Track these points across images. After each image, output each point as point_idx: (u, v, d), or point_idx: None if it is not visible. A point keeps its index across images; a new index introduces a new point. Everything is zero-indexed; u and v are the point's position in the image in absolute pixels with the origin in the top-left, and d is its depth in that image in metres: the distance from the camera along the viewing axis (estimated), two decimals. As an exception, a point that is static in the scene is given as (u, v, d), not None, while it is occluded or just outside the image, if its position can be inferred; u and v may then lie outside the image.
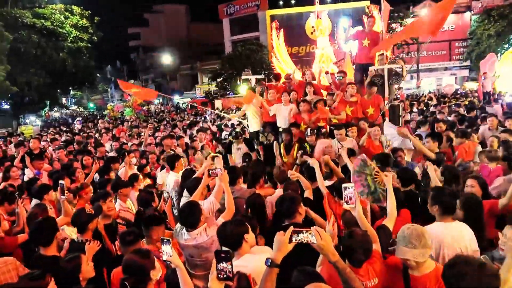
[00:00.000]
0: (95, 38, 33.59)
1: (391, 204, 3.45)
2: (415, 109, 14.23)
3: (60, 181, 4.37)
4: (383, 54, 8.54)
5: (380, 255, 3.01)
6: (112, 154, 8.96)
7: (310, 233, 2.14)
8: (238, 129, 7.84)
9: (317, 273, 2.59)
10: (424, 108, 15.05)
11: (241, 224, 3.01)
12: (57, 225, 3.71)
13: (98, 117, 31.49)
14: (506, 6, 34.49)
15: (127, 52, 62.54)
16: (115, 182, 5.42)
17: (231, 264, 2.13)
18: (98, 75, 46.88)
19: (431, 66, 40.08)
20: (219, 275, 2.15)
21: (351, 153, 5.66)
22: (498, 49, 30.08)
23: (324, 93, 8.38)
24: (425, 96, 23.23)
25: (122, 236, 3.56)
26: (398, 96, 10.65)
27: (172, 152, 7.50)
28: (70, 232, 3.75)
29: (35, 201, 5.18)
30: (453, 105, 14.59)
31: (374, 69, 7.99)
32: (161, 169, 7.00)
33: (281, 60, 9.98)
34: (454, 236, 3.11)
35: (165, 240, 2.65)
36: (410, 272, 2.71)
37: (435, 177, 4.35)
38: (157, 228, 3.73)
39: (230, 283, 2.15)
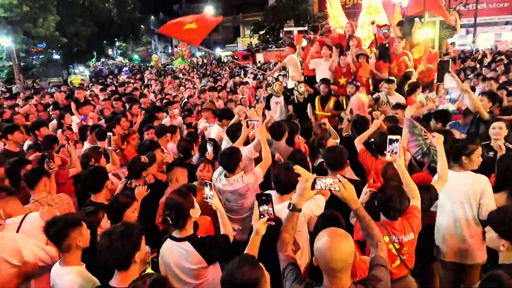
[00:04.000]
0: (139, -11, 33.73)
1: (441, 164, 3.30)
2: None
3: (108, 133, 4.59)
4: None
5: (419, 211, 2.94)
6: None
7: (333, 181, 2.17)
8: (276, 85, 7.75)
9: (337, 217, 2.66)
10: (477, 66, 14.15)
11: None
12: (107, 174, 3.96)
13: (143, 69, 32.11)
14: None
15: (170, 3, 62.23)
16: (160, 127, 5.71)
17: (272, 207, 2.28)
18: (142, 26, 47.19)
19: (490, 20, 36.76)
20: (262, 217, 2.30)
21: (398, 106, 5.64)
22: None
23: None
24: (480, 53, 21.62)
25: None
26: (450, 51, 9.98)
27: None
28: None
29: (86, 145, 5.58)
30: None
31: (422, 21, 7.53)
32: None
33: (334, 8, 9.48)
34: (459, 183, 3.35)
35: (208, 183, 2.86)
36: None
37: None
38: (178, 169, 3.91)
39: (272, 223, 2.31)
